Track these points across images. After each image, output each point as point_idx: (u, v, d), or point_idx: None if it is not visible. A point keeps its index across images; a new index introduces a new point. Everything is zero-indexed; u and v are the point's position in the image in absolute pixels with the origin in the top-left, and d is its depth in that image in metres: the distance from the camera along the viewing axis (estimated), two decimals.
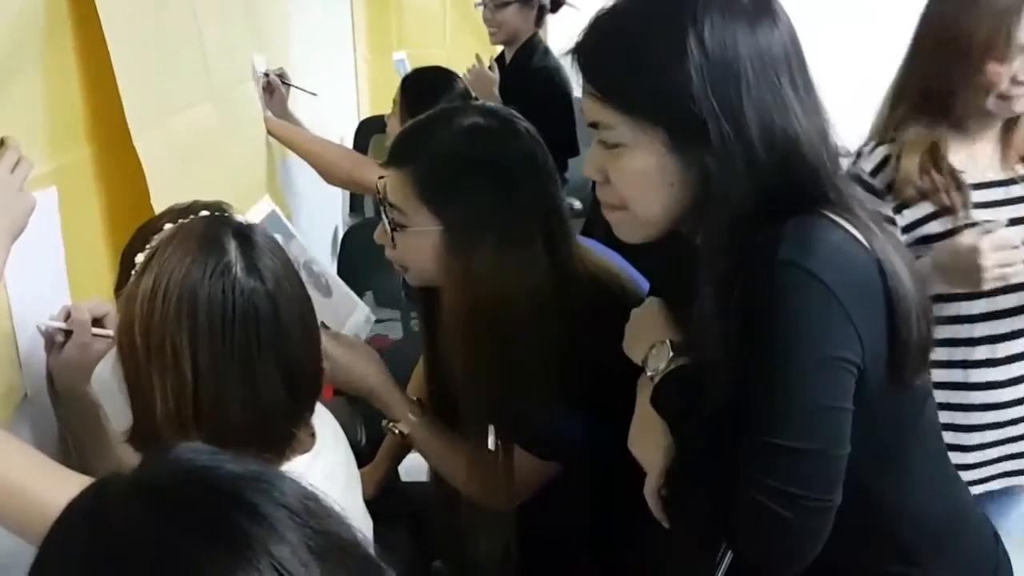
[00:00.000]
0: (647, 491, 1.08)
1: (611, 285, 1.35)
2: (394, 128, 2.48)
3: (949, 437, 1.62)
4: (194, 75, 1.87)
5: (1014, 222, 1.60)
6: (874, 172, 1.67)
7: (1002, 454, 1.71)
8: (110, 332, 1.25)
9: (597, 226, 1.30)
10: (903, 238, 1.61)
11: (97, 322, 1.27)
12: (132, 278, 1.04)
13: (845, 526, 0.95)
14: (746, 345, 0.96)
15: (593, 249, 1.43)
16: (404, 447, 1.85)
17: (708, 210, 1.00)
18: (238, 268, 1.02)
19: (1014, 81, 1.57)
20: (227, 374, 1.01)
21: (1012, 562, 1.19)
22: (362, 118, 4.07)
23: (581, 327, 1.25)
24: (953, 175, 1.62)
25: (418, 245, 1.31)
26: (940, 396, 1.62)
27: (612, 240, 1.22)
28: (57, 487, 0.97)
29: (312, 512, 0.58)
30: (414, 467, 1.94)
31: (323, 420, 1.20)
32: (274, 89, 2.52)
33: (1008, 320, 1.65)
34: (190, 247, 1.02)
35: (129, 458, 1.18)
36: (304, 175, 2.74)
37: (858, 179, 1.64)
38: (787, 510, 0.92)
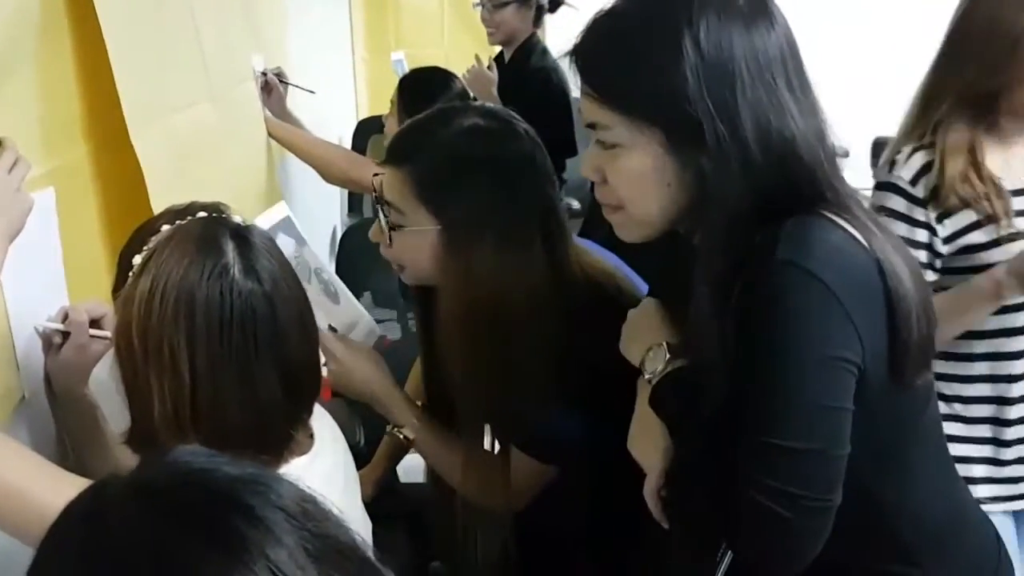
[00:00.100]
0: (647, 492, 1.08)
1: (608, 286, 1.35)
2: (392, 128, 2.48)
3: (988, 451, 1.62)
4: (193, 75, 1.87)
5: None
6: (914, 180, 1.57)
7: None
8: (108, 333, 1.24)
9: (596, 226, 1.31)
10: (944, 248, 1.56)
11: (95, 323, 1.26)
12: (130, 280, 1.04)
13: (845, 526, 0.95)
14: (745, 345, 0.96)
15: (589, 250, 1.43)
16: (402, 448, 1.86)
17: (704, 211, 1.00)
18: (236, 270, 1.02)
19: None
20: (225, 375, 1.01)
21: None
22: (360, 118, 4.07)
23: (578, 328, 1.25)
24: (993, 181, 1.55)
25: (416, 244, 1.31)
26: (983, 410, 1.61)
27: (611, 241, 1.22)
28: (55, 489, 0.97)
29: (309, 515, 0.58)
30: (412, 468, 1.94)
31: (321, 421, 1.20)
32: (272, 88, 2.52)
33: None
34: (188, 248, 1.02)
35: (127, 459, 1.17)
36: (303, 175, 2.74)
37: (895, 188, 1.58)
38: (787, 510, 0.92)
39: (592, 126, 1.05)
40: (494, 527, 1.40)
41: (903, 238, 1.50)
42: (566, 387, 1.26)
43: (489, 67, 3.22)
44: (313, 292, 1.38)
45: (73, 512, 0.60)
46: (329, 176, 2.61)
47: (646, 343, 1.13)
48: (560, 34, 2.76)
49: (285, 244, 1.35)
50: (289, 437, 1.09)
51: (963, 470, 1.57)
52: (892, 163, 1.60)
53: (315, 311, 1.36)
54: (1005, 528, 1.53)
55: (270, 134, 2.49)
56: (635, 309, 1.20)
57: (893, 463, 1.05)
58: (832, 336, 0.94)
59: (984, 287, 1.51)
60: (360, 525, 1.23)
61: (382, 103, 2.77)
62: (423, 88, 2.51)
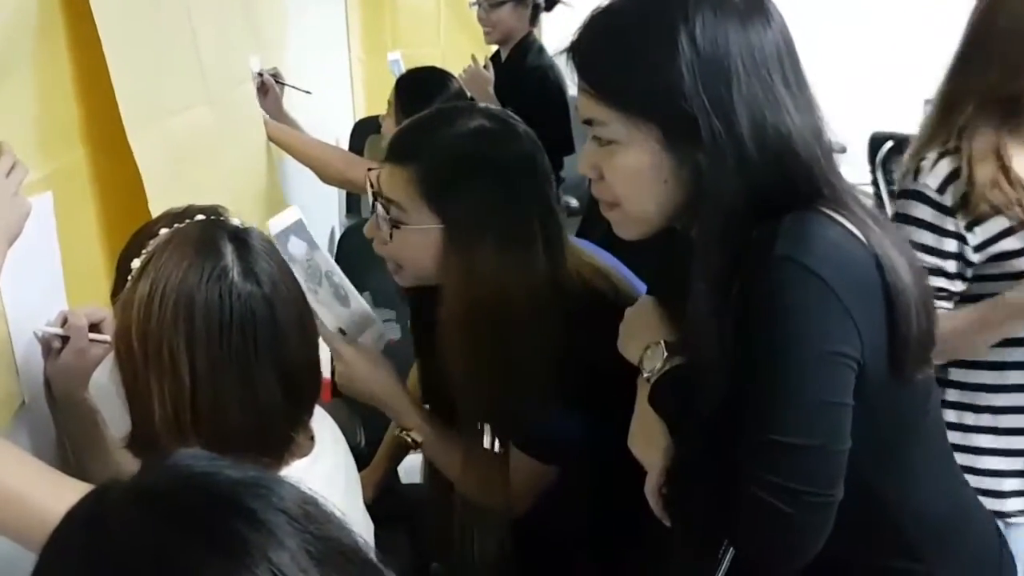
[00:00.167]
0: (648, 490, 1.08)
1: (603, 286, 1.36)
2: (389, 129, 2.49)
3: (1020, 464, 1.59)
4: (190, 77, 1.87)
5: None
6: (941, 188, 1.51)
7: None
8: (107, 337, 1.24)
9: (594, 224, 1.31)
10: (975, 257, 1.51)
11: (94, 327, 1.26)
12: (129, 283, 1.04)
13: (847, 522, 0.96)
14: (744, 342, 0.96)
15: (585, 250, 1.43)
16: (402, 449, 1.86)
17: (701, 207, 1.00)
18: (235, 272, 1.02)
19: None
20: (225, 378, 1.01)
21: None
22: (357, 118, 4.07)
23: (576, 328, 1.25)
24: (1023, 186, 1.49)
25: (417, 242, 1.31)
26: (1015, 421, 1.58)
27: (608, 239, 1.22)
28: (55, 494, 0.97)
29: (312, 517, 0.58)
30: (413, 469, 1.95)
31: (322, 423, 1.20)
32: (268, 89, 2.52)
33: None
34: (186, 252, 1.02)
35: (128, 464, 1.17)
36: (300, 177, 2.74)
37: (921, 197, 1.52)
38: (789, 506, 0.92)
39: (589, 122, 1.06)
40: (492, 527, 1.40)
41: (929, 247, 1.50)
42: (565, 387, 1.26)
43: (485, 66, 3.23)
44: (324, 295, 1.38)
45: (75, 517, 0.60)
46: (326, 177, 2.61)
47: (644, 341, 1.13)
48: (556, 32, 2.76)
49: (297, 247, 1.35)
50: (290, 439, 1.09)
51: (992, 483, 1.56)
52: (916, 170, 1.54)
53: (325, 313, 1.37)
54: None
55: (267, 136, 2.48)
56: (632, 307, 1.20)
57: (894, 458, 1.05)
58: (831, 332, 0.94)
59: (1021, 301, 1.45)
60: (361, 527, 1.23)
61: (379, 103, 2.77)
62: (420, 88, 2.51)
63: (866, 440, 0.97)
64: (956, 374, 1.60)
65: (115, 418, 1.22)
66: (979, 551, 1.15)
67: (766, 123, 0.98)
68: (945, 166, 1.51)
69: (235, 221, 1.11)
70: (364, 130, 3.72)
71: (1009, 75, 1.51)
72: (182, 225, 1.07)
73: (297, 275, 1.28)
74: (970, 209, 1.49)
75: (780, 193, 0.99)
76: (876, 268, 0.97)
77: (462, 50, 3.94)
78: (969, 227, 1.50)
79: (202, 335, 1.00)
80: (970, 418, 1.59)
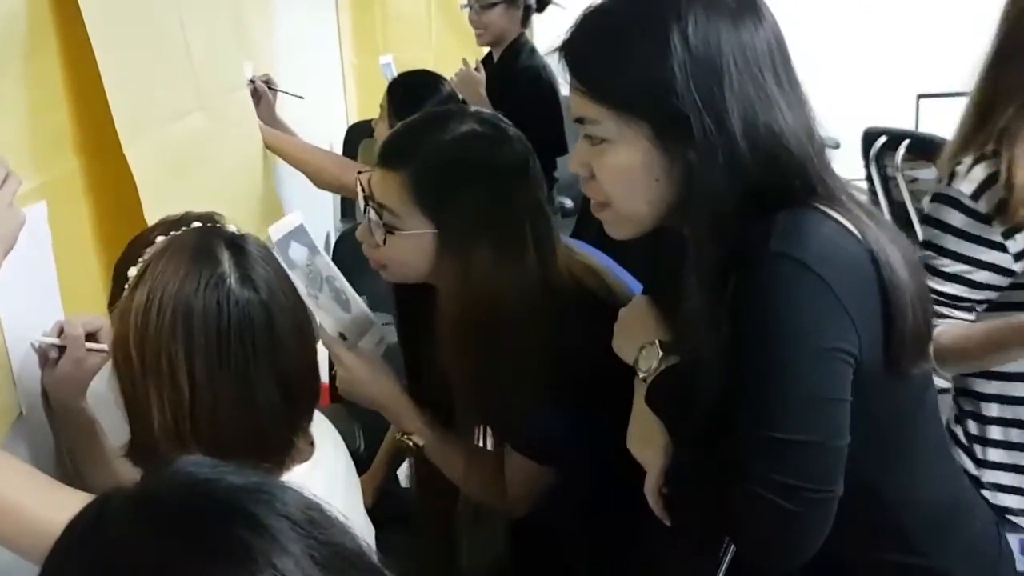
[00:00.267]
0: (647, 490, 1.08)
1: (594, 284, 1.36)
2: (382, 133, 2.48)
3: None
4: (183, 84, 1.87)
5: None
6: (976, 195, 1.43)
7: None
8: (104, 346, 1.24)
9: (588, 224, 1.30)
10: (1017, 266, 1.44)
11: (91, 336, 1.26)
12: (126, 292, 1.04)
13: (846, 517, 0.96)
14: (740, 339, 0.96)
15: (578, 250, 1.43)
16: (402, 453, 1.86)
17: (692, 206, 1.00)
18: (232, 279, 1.02)
19: None
20: (224, 385, 1.01)
21: None
22: (350, 122, 4.06)
23: (568, 326, 1.26)
24: None
25: (410, 247, 1.31)
26: None
27: (602, 239, 1.22)
28: (53, 504, 0.97)
29: (315, 523, 0.58)
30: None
31: (321, 428, 1.20)
32: (260, 95, 2.52)
33: None
34: (183, 259, 1.02)
35: (127, 472, 1.17)
36: (295, 182, 2.74)
37: (954, 203, 1.45)
38: (789, 503, 0.93)
39: (580, 120, 1.06)
40: (488, 530, 1.40)
41: (958, 254, 1.45)
42: (559, 387, 1.26)
43: (477, 68, 3.23)
44: (324, 300, 1.39)
45: (77, 526, 0.60)
46: (320, 182, 2.61)
47: (639, 341, 1.13)
48: (548, 33, 2.76)
49: (298, 252, 1.36)
50: (290, 444, 1.09)
51: (1018, 503, 1.50)
52: (951, 175, 1.47)
53: (325, 318, 1.37)
54: None
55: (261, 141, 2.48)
56: (626, 307, 1.20)
57: (892, 452, 1.05)
58: (827, 328, 0.94)
59: None
60: (362, 531, 1.23)
61: (372, 107, 2.76)
62: (412, 92, 2.51)
63: (864, 435, 0.97)
64: (998, 387, 1.52)
65: (113, 427, 1.22)
66: (977, 544, 1.16)
67: (758, 121, 0.98)
68: (981, 171, 1.44)
69: (231, 228, 1.11)
70: (357, 135, 3.72)
71: None
72: (178, 233, 1.07)
73: (298, 280, 1.29)
74: (1008, 216, 1.41)
75: (773, 191, 0.99)
76: (871, 263, 0.98)
77: (453, 53, 3.94)
78: (1008, 234, 1.43)
79: (200, 342, 1.00)
80: (1016, 434, 1.52)
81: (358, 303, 1.44)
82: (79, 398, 1.28)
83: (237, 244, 1.06)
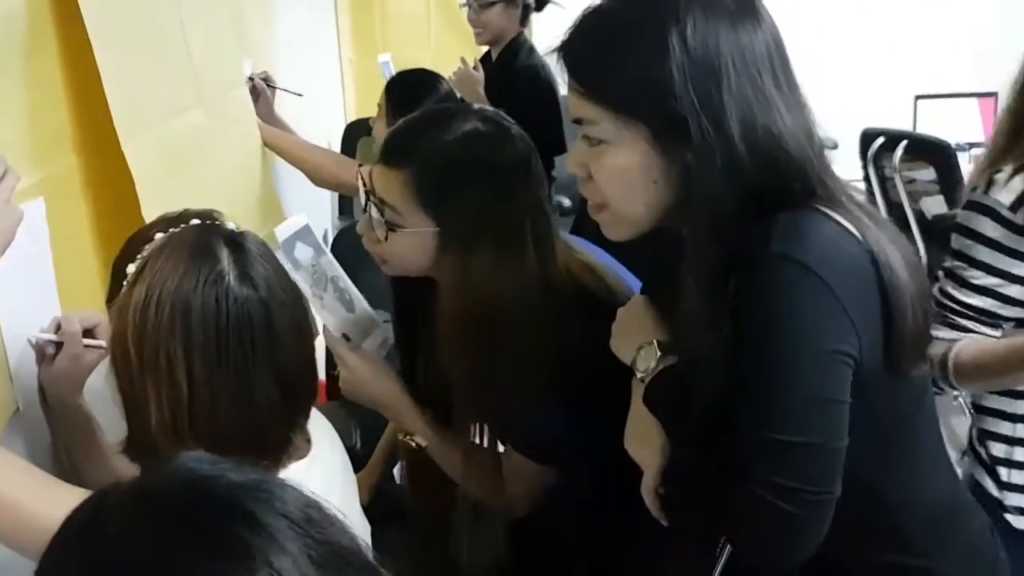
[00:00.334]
0: (644, 490, 1.08)
1: (593, 282, 1.36)
2: (380, 131, 2.48)
3: None
4: (182, 81, 1.87)
5: None
6: (1015, 206, 1.37)
7: None
8: (102, 343, 1.24)
9: (586, 224, 1.30)
10: None
11: (88, 333, 1.26)
12: (124, 289, 1.04)
13: (844, 518, 0.96)
14: (741, 340, 0.96)
15: (578, 247, 1.43)
16: (399, 451, 1.86)
17: (690, 208, 1.00)
18: (231, 276, 1.02)
19: None
20: (222, 382, 1.01)
21: None
22: (349, 120, 4.06)
23: (567, 325, 1.26)
24: None
25: (411, 244, 1.32)
26: None
27: (602, 238, 1.22)
28: (51, 500, 0.97)
29: (313, 521, 0.58)
30: None
31: (318, 425, 1.20)
32: (259, 93, 2.52)
33: None
34: (182, 256, 1.02)
35: (123, 469, 1.17)
36: (293, 179, 2.74)
37: (990, 212, 1.39)
38: (788, 504, 0.93)
39: (579, 121, 1.06)
40: (486, 528, 1.40)
41: (992, 267, 1.40)
42: (559, 388, 1.26)
43: (475, 67, 3.23)
44: (329, 300, 1.39)
45: (74, 522, 0.60)
46: (318, 180, 2.61)
47: (637, 341, 1.13)
48: (547, 32, 2.76)
49: (303, 252, 1.36)
50: (287, 441, 1.09)
51: None
52: (989, 183, 1.41)
53: (329, 318, 1.37)
54: None
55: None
56: (624, 307, 1.20)
57: (891, 454, 1.05)
58: (828, 329, 0.95)
59: None
60: (358, 528, 1.23)
61: (370, 105, 2.76)
62: (410, 90, 2.51)
63: (864, 436, 0.97)
64: None
65: (110, 423, 1.22)
66: (975, 545, 1.16)
67: (756, 123, 0.98)
68: (1021, 182, 1.38)
69: (230, 225, 1.11)
70: (355, 133, 3.71)
71: None
72: (177, 230, 1.07)
73: (303, 280, 1.30)
74: None
75: (773, 193, 0.99)
76: (872, 264, 0.98)
77: (452, 52, 3.94)
78: None
79: (199, 339, 1.00)
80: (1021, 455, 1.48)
81: (362, 304, 1.44)
82: (76, 394, 1.28)
83: (236, 241, 1.06)
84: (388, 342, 1.48)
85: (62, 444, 1.31)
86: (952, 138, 3.37)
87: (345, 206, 3.82)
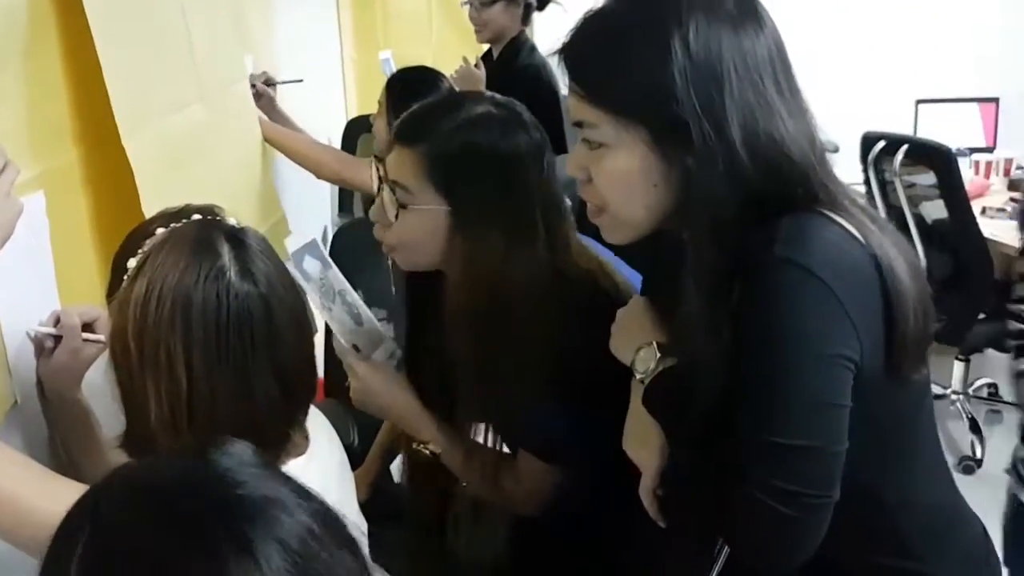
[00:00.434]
0: (642, 490, 1.08)
1: (607, 283, 1.36)
2: (380, 128, 2.49)
3: None
4: (184, 76, 1.86)
5: None
6: None
7: None
8: (101, 337, 1.24)
9: (586, 225, 1.30)
10: None
11: (87, 327, 1.26)
12: (124, 283, 1.04)
13: (843, 521, 0.96)
14: (743, 343, 0.96)
15: (589, 246, 1.43)
16: (395, 449, 1.86)
17: (690, 211, 1.00)
18: (231, 272, 1.02)
19: None
20: (221, 378, 1.01)
21: None
22: (350, 116, 4.06)
23: (575, 323, 1.26)
24: None
25: (421, 225, 1.31)
26: None
27: (600, 240, 1.22)
28: (49, 494, 0.97)
29: (309, 552, 0.58)
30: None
31: (317, 422, 1.20)
32: (260, 94, 2.53)
33: None
34: (183, 251, 1.02)
35: (121, 463, 1.17)
36: (294, 176, 2.74)
37: None
38: (787, 507, 0.93)
39: (579, 124, 1.06)
40: (486, 530, 1.40)
41: None
42: (560, 384, 1.26)
43: (476, 65, 3.23)
44: (337, 312, 1.40)
45: (74, 517, 0.60)
46: (320, 175, 2.65)
47: (636, 343, 1.13)
48: (549, 32, 2.76)
49: (312, 266, 1.38)
50: (286, 438, 1.09)
51: None
52: None
53: (339, 330, 1.39)
54: None
55: (263, 136, 2.49)
56: (623, 309, 1.20)
57: (891, 457, 1.05)
58: (831, 333, 0.94)
59: None
60: (355, 526, 1.23)
61: (371, 102, 2.76)
62: (411, 87, 2.50)
63: (865, 439, 0.97)
64: None
65: (109, 418, 1.22)
66: (970, 550, 1.16)
67: (758, 128, 0.98)
68: None
69: (231, 221, 1.11)
70: (356, 130, 3.72)
71: None
72: (178, 225, 1.07)
73: (312, 293, 1.32)
74: None
75: (775, 198, 0.99)
76: (875, 268, 0.97)
77: (454, 50, 3.94)
78: None
79: (199, 335, 1.00)
80: None
81: (370, 317, 1.45)
82: (75, 388, 1.28)
83: (237, 237, 1.06)
84: (397, 354, 1.48)
85: (60, 438, 1.31)
86: (953, 143, 3.38)
87: (345, 203, 3.82)
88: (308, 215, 3.31)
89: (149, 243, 1.05)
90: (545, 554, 1.43)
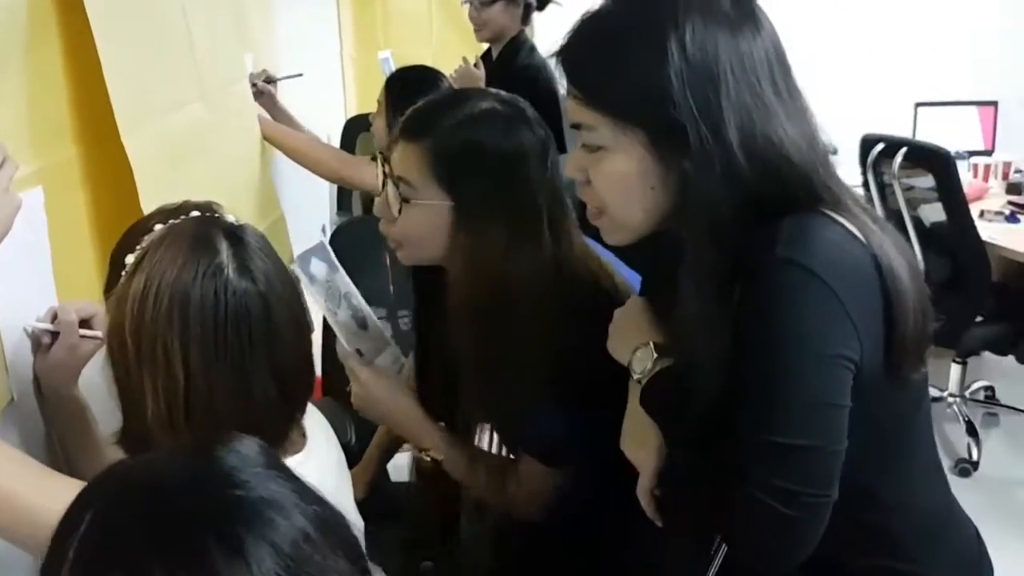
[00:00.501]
0: (640, 490, 1.08)
1: (606, 282, 1.36)
2: (379, 127, 2.49)
3: None
4: (185, 75, 1.87)
5: None
6: None
7: None
8: (98, 333, 1.24)
9: (586, 225, 1.31)
10: None
11: (84, 323, 1.26)
12: (122, 279, 1.04)
13: (839, 521, 0.96)
14: (744, 343, 0.96)
15: (591, 246, 1.43)
16: (392, 447, 1.86)
17: (688, 213, 1.00)
18: (230, 269, 1.02)
19: None
20: (219, 375, 1.01)
21: None
22: (349, 115, 4.07)
23: (574, 321, 1.26)
24: None
25: (424, 220, 1.31)
26: None
27: (600, 240, 1.22)
28: (45, 491, 0.96)
29: (302, 556, 0.58)
30: (403, 467, 1.95)
31: (314, 420, 1.20)
32: (261, 92, 2.54)
33: None
34: (181, 248, 1.02)
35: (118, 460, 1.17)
36: (293, 175, 2.74)
37: None
38: (787, 507, 0.93)
39: (577, 126, 1.06)
40: (487, 527, 1.40)
41: None
42: (563, 382, 1.26)
43: (476, 65, 3.23)
44: (343, 316, 1.40)
45: (72, 512, 0.60)
46: (319, 174, 2.65)
47: (633, 343, 1.13)
48: (549, 32, 2.76)
49: (318, 268, 1.38)
50: (283, 436, 1.09)
51: None
52: None
53: (343, 334, 1.38)
54: None
55: (263, 135, 2.49)
56: (620, 309, 1.20)
57: (892, 456, 1.05)
58: (832, 334, 0.95)
59: None
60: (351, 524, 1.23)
61: (371, 101, 2.76)
62: (410, 87, 2.51)
63: (863, 440, 0.98)
64: None
65: (105, 414, 1.22)
66: (963, 552, 1.16)
67: (755, 131, 0.98)
68: None
69: (230, 218, 1.11)
70: (355, 128, 3.73)
71: None
72: (177, 221, 1.07)
73: (318, 295, 1.32)
74: None
75: (775, 199, 0.99)
76: (875, 268, 0.98)
77: (454, 50, 3.94)
78: None
79: (196, 332, 1.00)
80: None
81: (375, 322, 1.45)
82: (71, 385, 1.28)
83: (236, 234, 1.06)
84: (400, 360, 1.48)
85: (57, 435, 1.31)
86: (951, 146, 3.38)
87: (344, 202, 3.83)
88: (307, 214, 3.31)
89: (147, 239, 1.04)
90: (545, 554, 1.42)
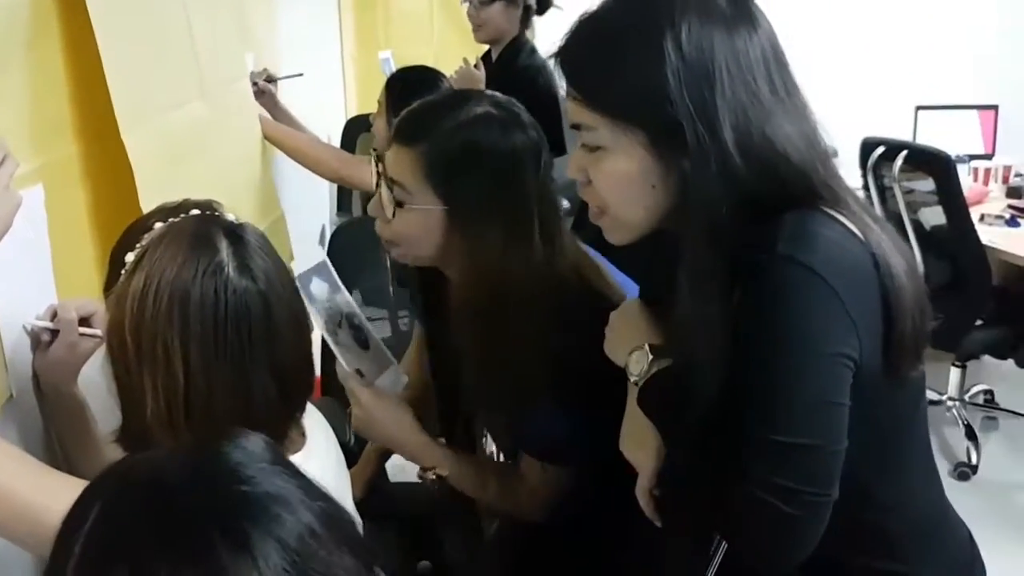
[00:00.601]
0: (639, 491, 1.09)
1: (599, 283, 1.36)
2: (380, 127, 2.49)
3: None
4: (185, 73, 1.87)
5: None
6: None
7: None
8: (98, 331, 1.24)
9: (584, 226, 1.31)
10: None
11: (84, 321, 1.26)
12: (122, 277, 1.04)
13: (839, 520, 0.96)
14: (745, 342, 0.96)
15: (583, 248, 1.43)
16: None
17: (687, 212, 1.00)
18: (230, 268, 1.02)
19: None
20: (218, 373, 1.01)
21: None
22: (349, 115, 4.07)
23: (571, 322, 1.26)
24: None
25: (418, 223, 1.32)
26: None
27: (599, 241, 1.22)
28: (46, 489, 0.96)
29: (308, 551, 0.58)
30: (401, 467, 1.94)
31: (313, 420, 1.20)
32: (262, 91, 2.54)
33: None
34: (181, 246, 1.02)
35: (116, 458, 1.17)
36: (293, 175, 2.74)
37: None
38: (788, 505, 0.93)
39: (577, 127, 1.06)
40: (486, 526, 1.40)
41: None
42: (562, 383, 1.26)
43: (476, 66, 3.23)
44: (343, 337, 1.39)
45: (76, 510, 0.60)
46: (319, 173, 2.66)
47: (629, 345, 1.13)
48: (549, 33, 2.75)
49: (319, 288, 1.37)
50: (283, 435, 1.09)
51: None
52: None
53: (344, 355, 1.37)
54: None
55: (263, 134, 2.49)
56: (617, 311, 1.21)
57: (890, 455, 1.06)
58: (832, 332, 0.95)
59: None
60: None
61: (371, 101, 2.77)
62: (410, 87, 2.51)
63: (863, 439, 0.98)
64: None
65: (104, 412, 1.22)
66: (956, 554, 1.16)
67: (751, 128, 0.98)
68: None
69: (230, 216, 1.11)
70: (355, 129, 3.72)
71: None
72: (177, 219, 1.07)
73: (317, 316, 1.31)
74: None
75: (775, 197, 0.99)
76: (873, 267, 0.98)
77: (454, 50, 3.95)
78: None
79: (196, 330, 1.00)
80: None
81: (377, 342, 1.44)
82: (71, 383, 1.28)
83: (236, 233, 1.06)
84: (401, 380, 1.47)
85: (56, 433, 1.31)
86: (952, 149, 3.38)
87: (344, 202, 3.83)
88: (307, 214, 3.31)
89: (147, 237, 1.04)
90: (545, 554, 1.42)
